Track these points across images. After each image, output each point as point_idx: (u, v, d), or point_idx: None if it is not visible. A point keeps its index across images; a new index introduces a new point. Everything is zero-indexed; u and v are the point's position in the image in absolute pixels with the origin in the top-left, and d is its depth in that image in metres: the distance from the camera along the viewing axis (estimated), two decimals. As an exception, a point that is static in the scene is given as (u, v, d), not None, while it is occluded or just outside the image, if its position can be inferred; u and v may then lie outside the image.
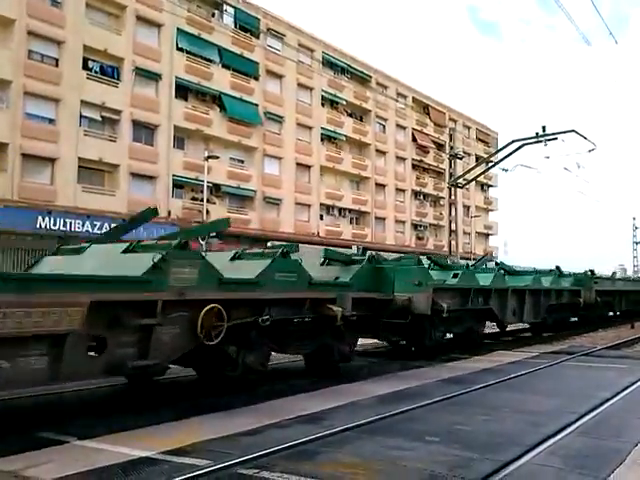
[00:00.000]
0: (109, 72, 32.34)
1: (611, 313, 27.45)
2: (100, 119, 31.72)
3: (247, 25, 38.90)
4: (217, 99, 37.43)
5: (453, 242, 34.72)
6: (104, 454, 5.56)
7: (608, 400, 8.59)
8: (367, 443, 6.12)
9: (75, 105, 30.33)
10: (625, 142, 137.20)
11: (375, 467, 5.33)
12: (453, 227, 34.84)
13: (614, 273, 28.59)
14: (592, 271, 23.77)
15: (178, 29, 34.98)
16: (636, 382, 10.29)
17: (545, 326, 19.42)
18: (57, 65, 29.98)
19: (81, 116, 30.82)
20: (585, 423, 7.20)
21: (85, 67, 31.13)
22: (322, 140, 44.98)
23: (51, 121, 29.80)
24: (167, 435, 6.28)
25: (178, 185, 35.41)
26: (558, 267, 21.65)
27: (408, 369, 11.54)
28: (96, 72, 31.73)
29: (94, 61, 31.77)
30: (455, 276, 14.64)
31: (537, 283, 18.62)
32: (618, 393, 9.19)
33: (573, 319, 23.04)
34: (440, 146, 56.09)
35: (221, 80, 37.33)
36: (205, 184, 32.56)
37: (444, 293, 13.27)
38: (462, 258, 34.50)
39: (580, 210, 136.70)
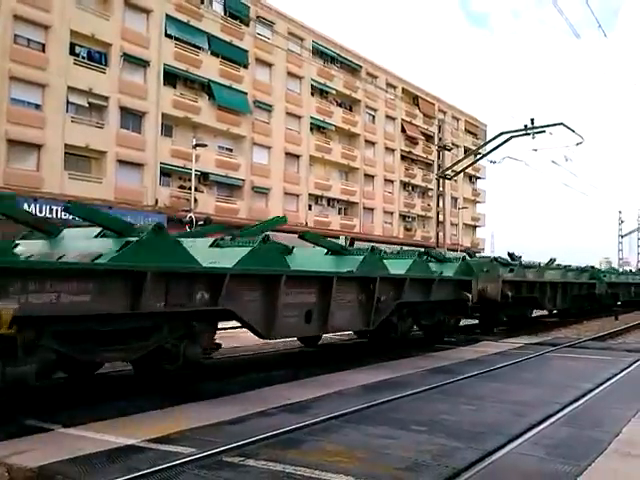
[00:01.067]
0: (96, 58, 32.03)
1: (538, 312, 21.84)
2: (87, 105, 31.43)
3: (237, 12, 38.68)
4: (206, 87, 37.22)
5: (440, 234, 34.84)
6: (89, 442, 5.54)
7: (591, 391, 8.68)
8: (352, 432, 6.14)
9: (62, 91, 30.02)
10: (612, 135, 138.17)
11: (360, 455, 5.35)
12: (441, 218, 34.95)
13: (551, 260, 21.54)
14: (512, 255, 18.76)
15: (167, 15, 34.71)
16: (618, 374, 10.41)
17: (390, 332, 12.04)
18: (44, 50, 29.64)
19: (68, 102, 30.54)
20: (568, 413, 7.28)
21: (72, 52, 30.82)
22: (311, 130, 44.88)
23: (37, 107, 29.50)
24: (151, 423, 6.27)
25: (166, 173, 35.24)
26: (468, 253, 17.06)
27: (393, 359, 11.55)
28: (83, 58, 31.44)
29: (81, 46, 31.46)
30: (123, 245, 6.96)
31: (368, 269, 10.79)
32: (600, 384, 9.28)
33: (472, 321, 17.44)
34: (429, 137, 56.19)
35: (210, 68, 37.08)
36: (193, 172, 32.41)
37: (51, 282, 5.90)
38: (449, 249, 34.65)
39: (567, 203, 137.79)
